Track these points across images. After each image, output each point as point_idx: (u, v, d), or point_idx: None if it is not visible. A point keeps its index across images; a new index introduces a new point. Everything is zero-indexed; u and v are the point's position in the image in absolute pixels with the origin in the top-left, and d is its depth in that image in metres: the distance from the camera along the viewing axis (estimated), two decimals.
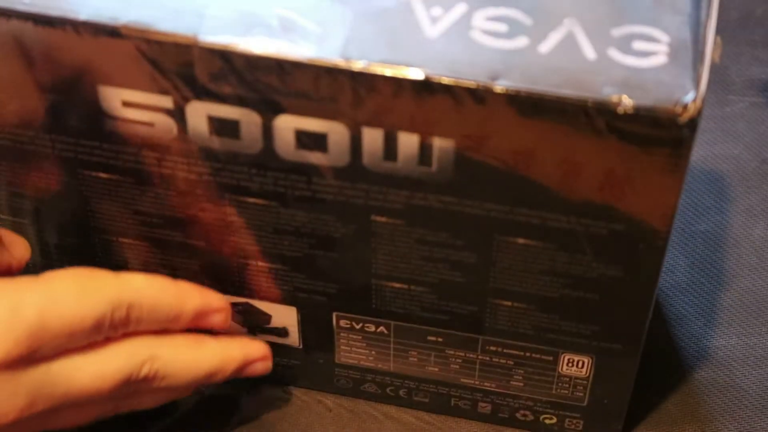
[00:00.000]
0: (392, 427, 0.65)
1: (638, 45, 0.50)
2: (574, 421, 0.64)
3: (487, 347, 0.61)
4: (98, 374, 0.55)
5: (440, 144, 0.51)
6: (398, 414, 0.66)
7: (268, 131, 0.53)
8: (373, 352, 0.63)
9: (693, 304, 0.70)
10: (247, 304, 0.62)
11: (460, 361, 0.62)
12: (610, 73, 0.49)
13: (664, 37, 0.50)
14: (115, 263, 0.61)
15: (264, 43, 0.50)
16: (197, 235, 0.59)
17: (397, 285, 0.58)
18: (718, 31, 0.51)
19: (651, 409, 0.66)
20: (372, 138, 0.52)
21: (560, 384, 0.62)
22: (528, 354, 0.61)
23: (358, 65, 0.49)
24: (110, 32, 0.50)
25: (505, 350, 0.61)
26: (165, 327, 0.57)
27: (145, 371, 0.56)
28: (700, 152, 0.76)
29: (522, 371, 0.62)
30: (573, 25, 0.50)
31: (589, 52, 0.49)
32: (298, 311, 0.62)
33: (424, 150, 0.52)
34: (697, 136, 0.49)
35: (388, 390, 0.65)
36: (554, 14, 0.51)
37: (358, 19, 0.50)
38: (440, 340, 0.61)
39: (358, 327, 0.62)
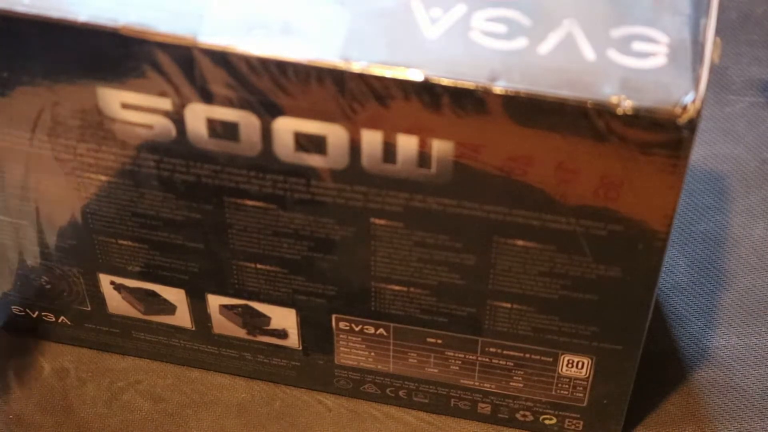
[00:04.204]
0: (392, 427, 0.65)
1: (637, 46, 0.49)
2: (574, 422, 0.64)
3: (486, 349, 0.61)
4: None
5: (439, 146, 0.51)
6: (398, 414, 0.66)
7: (267, 133, 0.52)
8: (373, 354, 0.63)
9: (693, 304, 0.70)
10: (246, 306, 0.62)
11: (459, 362, 0.62)
12: (610, 74, 0.49)
13: (664, 38, 0.50)
14: (115, 265, 0.61)
15: (263, 45, 0.50)
16: (196, 237, 0.58)
17: (397, 287, 0.58)
18: (718, 31, 0.51)
19: (651, 409, 0.66)
20: (371, 140, 0.52)
21: (560, 385, 0.62)
22: (528, 355, 0.60)
23: (357, 66, 0.49)
24: (110, 34, 0.50)
25: (504, 351, 0.61)
26: None
27: None
28: (700, 152, 0.76)
29: (522, 372, 0.62)
30: (572, 26, 0.50)
31: (589, 53, 0.49)
32: (298, 313, 0.62)
33: (423, 152, 0.51)
34: (696, 136, 0.49)
35: (388, 391, 0.65)
36: (553, 15, 0.50)
37: (357, 20, 0.50)
38: (440, 341, 0.61)
39: (357, 329, 0.61)
